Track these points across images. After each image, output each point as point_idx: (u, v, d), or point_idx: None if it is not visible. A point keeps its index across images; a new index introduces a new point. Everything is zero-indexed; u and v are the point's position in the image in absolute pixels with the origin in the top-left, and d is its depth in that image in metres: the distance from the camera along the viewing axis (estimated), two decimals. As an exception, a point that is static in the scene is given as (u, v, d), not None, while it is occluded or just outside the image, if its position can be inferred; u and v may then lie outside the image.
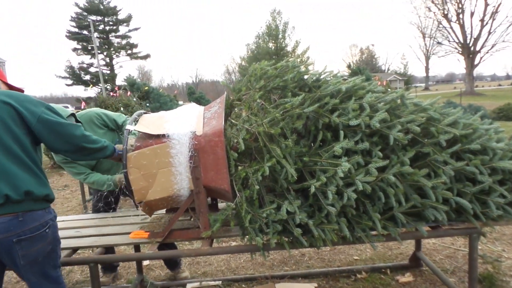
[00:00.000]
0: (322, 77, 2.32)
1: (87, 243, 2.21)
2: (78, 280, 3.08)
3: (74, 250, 2.22)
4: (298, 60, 2.54)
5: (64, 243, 2.23)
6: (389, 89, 2.50)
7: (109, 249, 2.53)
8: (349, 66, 16.31)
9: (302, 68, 2.32)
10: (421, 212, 2.00)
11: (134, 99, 9.52)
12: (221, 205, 2.74)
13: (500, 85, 57.16)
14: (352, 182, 1.88)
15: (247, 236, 2.03)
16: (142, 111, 2.41)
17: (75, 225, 2.55)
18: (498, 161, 1.99)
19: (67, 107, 35.94)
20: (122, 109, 8.54)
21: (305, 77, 2.29)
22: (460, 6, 33.91)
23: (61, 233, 2.38)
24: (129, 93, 9.80)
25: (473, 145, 1.96)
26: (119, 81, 39.17)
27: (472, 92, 32.35)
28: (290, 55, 44.71)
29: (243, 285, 2.77)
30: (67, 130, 1.72)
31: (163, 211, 2.66)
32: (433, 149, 1.98)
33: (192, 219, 2.49)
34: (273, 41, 43.92)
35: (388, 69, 66.79)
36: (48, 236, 1.65)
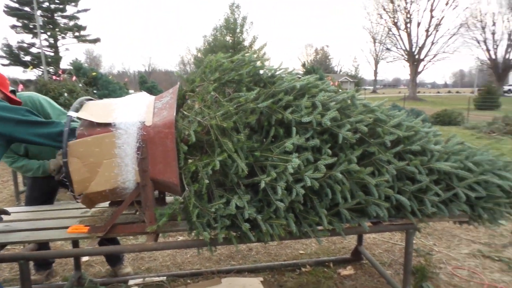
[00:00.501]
0: (277, 73, 2.33)
1: (18, 238, 2.03)
2: (6, 278, 2.83)
3: (2, 246, 2.04)
4: (255, 55, 2.53)
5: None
6: (340, 90, 2.58)
7: (43, 245, 2.35)
8: (303, 65, 16.65)
9: (258, 63, 2.31)
10: (365, 208, 2.10)
11: (80, 85, 8.95)
12: (169, 198, 2.67)
13: (438, 92, 61.79)
14: (301, 178, 1.91)
15: (194, 231, 1.99)
16: (86, 97, 2.26)
17: (6, 219, 2.34)
18: (435, 162, 2.14)
19: (2, 89, 32.92)
20: (66, 94, 8.01)
21: (261, 72, 2.29)
22: (408, 16, 36.06)
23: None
24: (74, 77, 9.20)
25: (414, 146, 2.10)
26: (64, 64, 36.66)
27: (414, 97, 34.59)
28: (247, 49, 44.73)
29: (189, 281, 2.73)
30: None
31: (106, 204, 2.54)
32: (378, 149, 2.08)
33: (137, 213, 2.39)
34: (230, 35, 43.66)
35: (340, 71, 69.32)
36: None
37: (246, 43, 44.71)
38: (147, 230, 2.04)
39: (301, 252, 3.22)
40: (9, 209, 2.47)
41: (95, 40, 40.08)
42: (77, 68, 10.22)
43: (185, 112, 2.16)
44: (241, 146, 1.96)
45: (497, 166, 2.27)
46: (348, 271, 2.80)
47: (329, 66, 69.60)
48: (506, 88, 41.88)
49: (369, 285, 2.62)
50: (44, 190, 2.69)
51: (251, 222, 1.97)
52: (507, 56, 37.90)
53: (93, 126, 2.01)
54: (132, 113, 2.10)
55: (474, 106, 20.71)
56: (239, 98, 2.03)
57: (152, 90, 17.40)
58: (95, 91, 9.62)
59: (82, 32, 38.88)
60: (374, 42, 52.23)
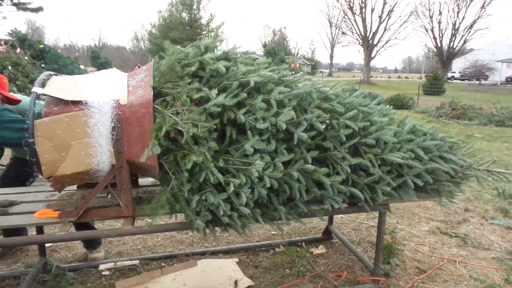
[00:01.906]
0: (231, 56, 2.18)
1: (-24, 225, 1.85)
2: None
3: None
4: (212, 33, 2.38)
5: None
6: (301, 72, 2.54)
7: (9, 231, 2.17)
8: (264, 46, 16.52)
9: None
10: (322, 200, 2.13)
11: (26, 58, 8.23)
12: (141, 180, 2.56)
13: (389, 77, 64.63)
14: (261, 177, 1.88)
15: (189, 217, 1.89)
16: (51, 72, 2.06)
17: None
18: (388, 153, 2.20)
19: None
20: (10, 68, 7.33)
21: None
22: (363, 0, 36.89)
23: None
24: (19, 50, 8.44)
25: (369, 139, 2.14)
26: (2, 34, 33.43)
27: (368, 82, 35.95)
28: (204, 28, 43.54)
29: (163, 264, 2.67)
30: None
31: (74, 187, 2.39)
32: (333, 143, 2.09)
33: (108, 196, 2.27)
34: (187, 11, 42.13)
35: (297, 53, 70.00)
36: None
37: (203, 21, 43.46)
38: (151, 219, 1.89)
39: (273, 232, 3.26)
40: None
41: (37, 9, 36.69)
42: (22, 39, 9.37)
43: (158, 107, 1.93)
44: (212, 154, 1.84)
45: (444, 149, 2.41)
46: (320, 250, 2.89)
47: (286, 48, 69.96)
48: (449, 75, 44.84)
49: (340, 263, 2.73)
50: (21, 172, 2.55)
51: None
52: (451, 45, 40.36)
53: (61, 104, 1.85)
54: (104, 90, 1.96)
55: (423, 92, 21.96)
56: (207, 103, 1.87)
57: (106, 66, 16.47)
58: (43, 65, 8.92)
59: (22, 0, 35.47)
60: (330, 26, 53.20)
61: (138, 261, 2.66)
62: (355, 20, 38.56)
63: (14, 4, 35.02)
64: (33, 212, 1.98)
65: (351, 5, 37.88)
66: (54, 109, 1.83)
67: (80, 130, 1.83)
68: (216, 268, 2.60)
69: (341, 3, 39.35)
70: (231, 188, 1.83)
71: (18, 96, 2.46)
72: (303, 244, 2.99)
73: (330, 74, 60.09)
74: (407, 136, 2.35)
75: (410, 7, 71.52)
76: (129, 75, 2.15)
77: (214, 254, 2.82)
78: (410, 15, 38.24)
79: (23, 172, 2.54)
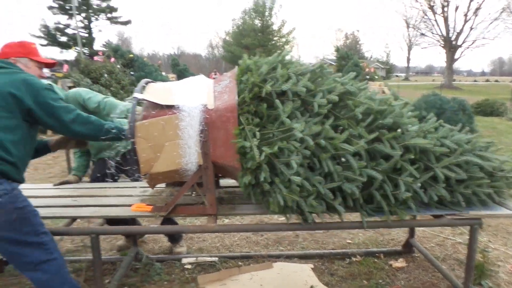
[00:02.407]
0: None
1: (87, 213, 2.12)
2: (69, 249, 2.98)
3: (73, 219, 2.13)
4: (283, 39, 2.44)
5: (61, 212, 2.15)
6: (376, 76, 2.46)
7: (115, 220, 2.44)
8: (337, 50, 16.21)
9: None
10: (337, 187, 1.94)
11: (118, 66, 9.14)
12: (223, 181, 2.68)
13: (475, 80, 58.91)
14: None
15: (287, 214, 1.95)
16: (148, 79, 2.28)
17: (72, 194, 2.43)
18: (410, 139, 1.99)
19: (40, 69, 34.10)
20: (106, 75, 8.20)
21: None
22: (446, -2, 34.22)
23: (57, 201, 2.29)
24: (113, 59, 9.40)
25: (387, 120, 1.96)
26: (97, 45, 37.56)
27: (450, 86, 33.18)
28: (275, 34, 44.13)
29: (240, 263, 2.76)
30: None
31: (162, 185, 2.59)
32: (348, 122, 1.98)
33: (193, 195, 2.43)
34: (259, 18, 43.10)
35: (371, 57, 67.36)
36: (2, 206, 1.66)
37: (275, 27, 44.06)
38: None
39: (349, 241, 3.18)
40: (77, 185, 2.58)
41: (126, 22, 40.67)
42: (115, 50, 10.44)
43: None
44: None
45: (477, 147, 2.12)
46: (400, 263, 2.75)
47: (359, 52, 67.74)
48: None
49: (423, 279, 2.56)
50: (104, 170, 2.82)
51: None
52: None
53: (158, 108, 2.02)
54: (194, 96, 2.11)
55: (517, 97, 19.60)
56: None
57: (184, 73, 17.57)
58: (132, 73, 9.81)
59: (114, 14, 39.50)
60: (408, 27, 50.14)
61: (217, 258, 2.79)
62: (436, 20, 35.87)
63: (108, 19, 39.22)
64: (130, 205, 2.20)
65: (432, 4, 35.40)
66: (151, 113, 2.01)
67: (173, 132, 1.99)
68: (292, 272, 2.62)
69: (420, 3, 36.96)
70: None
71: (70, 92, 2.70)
72: (381, 256, 2.86)
73: (406, 78, 56.77)
74: (431, 127, 2.12)
75: (501, 3, 64.64)
76: (215, 82, 2.28)
77: (289, 258, 2.84)
78: (502, 12, 34.48)
79: (105, 170, 2.78)
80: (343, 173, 1.91)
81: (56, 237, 3.08)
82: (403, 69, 72.16)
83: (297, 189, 1.83)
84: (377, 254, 2.88)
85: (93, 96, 2.65)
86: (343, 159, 1.96)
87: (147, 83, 2.20)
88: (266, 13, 43.04)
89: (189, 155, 2.03)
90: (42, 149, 2.23)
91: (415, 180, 1.95)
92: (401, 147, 1.96)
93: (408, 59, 58.70)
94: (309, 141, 1.83)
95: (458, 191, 2.04)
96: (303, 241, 3.15)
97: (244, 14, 44.29)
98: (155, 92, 2.13)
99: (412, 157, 1.97)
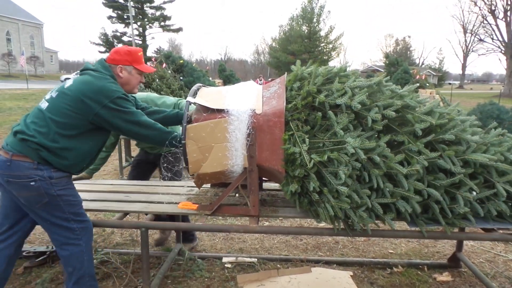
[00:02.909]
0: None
1: (138, 208, 2.29)
2: (118, 242, 3.21)
3: (126, 213, 2.31)
4: (330, 45, 2.44)
5: (115, 206, 2.33)
6: (427, 84, 2.39)
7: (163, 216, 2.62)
8: (387, 57, 15.76)
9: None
10: (390, 204, 1.94)
11: (169, 72, 9.59)
12: (265, 185, 2.76)
13: (540, 90, 54.08)
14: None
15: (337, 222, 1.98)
16: (200, 84, 2.41)
17: (124, 190, 2.64)
18: (471, 153, 1.90)
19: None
20: (157, 80, 8.64)
21: None
22: (509, 2, 32.01)
23: (110, 196, 2.49)
24: (164, 65, 9.88)
25: (448, 135, 1.88)
26: (150, 52, 39.58)
27: (510, 95, 30.88)
28: (322, 40, 43.78)
29: (278, 265, 2.82)
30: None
31: (208, 185, 2.71)
32: (408, 138, 1.91)
33: (237, 195, 2.52)
34: (307, 24, 43.00)
35: (423, 63, 64.49)
36: (34, 189, 1.85)
37: (322, 33, 43.73)
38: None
39: (391, 251, 3.12)
40: (125, 182, 2.78)
41: (178, 30, 42.44)
42: (167, 56, 10.96)
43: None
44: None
45: None
46: (445, 277, 2.65)
47: (410, 58, 65.12)
48: None
49: (470, 295, 2.46)
50: (143, 169, 3.10)
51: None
52: None
53: (208, 112, 2.14)
54: (243, 100, 2.20)
55: None
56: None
57: (230, 78, 17.99)
58: (181, 78, 10.23)
59: (167, 22, 41.42)
60: (465, 33, 47.52)
61: (256, 259, 2.86)
62: (496, 25, 33.66)
63: (161, 27, 41.21)
64: (177, 203, 2.34)
65: (493, 8, 33.27)
66: (202, 116, 2.14)
67: (221, 135, 2.10)
68: (330, 277, 2.62)
69: (479, 7, 34.94)
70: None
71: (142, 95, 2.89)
72: (425, 268, 2.78)
73: (461, 86, 53.62)
74: (494, 139, 2.01)
75: None
76: (264, 87, 2.37)
77: (327, 263, 2.84)
78: None
79: (145, 169, 3.08)
80: (397, 190, 1.89)
81: (107, 230, 3.36)
82: (458, 77, 68.26)
83: (347, 200, 1.85)
84: (420, 266, 2.80)
85: (165, 99, 2.90)
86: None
87: (199, 87, 2.33)
88: (314, 20, 42.87)
89: (236, 157, 2.13)
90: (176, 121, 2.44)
91: (475, 195, 1.91)
92: (460, 160, 1.91)
93: (464, 66, 55.41)
94: (360, 154, 1.82)
95: None
96: (342, 248, 3.14)
97: (292, 20, 44.44)
98: (206, 96, 2.26)
99: (471, 171, 1.92)
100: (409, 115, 1.95)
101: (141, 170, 3.12)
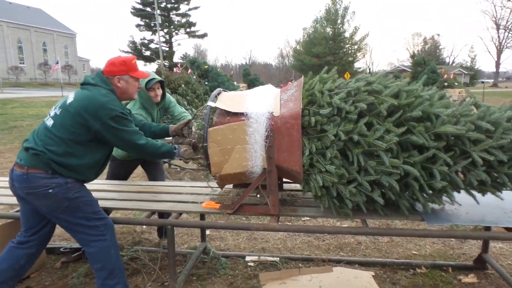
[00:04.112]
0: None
1: (165, 207, 2.41)
2: (147, 240, 3.36)
3: (153, 212, 2.44)
4: (355, 46, 2.51)
5: (143, 205, 2.46)
6: (455, 83, 2.40)
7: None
8: (413, 56, 15.42)
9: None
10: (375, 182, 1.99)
11: (194, 77, 9.83)
12: (286, 185, 2.82)
13: None
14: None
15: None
16: (221, 89, 2.52)
17: (152, 190, 2.78)
18: (440, 126, 1.91)
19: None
20: (183, 85, 8.89)
21: None
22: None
23: (139, 196, 2.63)
24: (189, 70, 10.14)
25: (415, 112, 1.91)
26: (176, 58, 40.54)
27: (549, 92, 29.28)
28: (347, 41, 43.30)
29: (300, 264, 2.87)
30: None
31: (230, 185, 2.81)
32: (376, 119, 1.96)
33: (257, 196, 2.60)
34: (331, 26, 42.70)
35: (453, 62, 62.34)
36: (53, 195, 1.99)
37: (347, 34, 43.26)
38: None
39: (414, 252, 3.09)
40: (156, 183, 2.92)
41: (203, 35, 43.21)
42: (192, 62, 11.26)
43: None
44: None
45: None
46: (470, 279, 2.61)
47: (439, 57, 63.12)
48: None
49: (496, 297, 2.42)
50: (125, 170, 3.19)
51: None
52: None
53: (228, 115, 2.24)
54: (261, 104, 2.28)
55: None
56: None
57: (255, 82, 18.16)
58: (206, 83, 10.46)
59: (192, 28, 42.29)
60: (498, 29, 45.65)
61: (278, 258, 2.92)
62: (533, 20, 32.14)
63: (187, 33, 42.14)
64: (201, 203, 2.45)
65: (528, 2, 31.77)
66: (222, 119, 2.24)
67: (241, 137, 2.19)
68: (352, 277, 2.64)
69: (513, 2, 33.48)
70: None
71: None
72: (449, 269, 2.75)
73: (495, 84, 51.38)
74: (465, 109, 2.02)
75: None
76: (281, 90, 2.44)
77: (349, 263, 2.86)
78: None
79: (119, 171, 3.12)
80: (379, 168, 1.95)
81: (138, 228, 3.53)
82: (492, 75, 65.46)
83: (335, 171, 1.97)
84: (444, 267, 2.77)
85: (177, 107, 3.28)
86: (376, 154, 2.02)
87: (219, 92, 2.44)
88: (338, 21, 42.52)
89: (255, 158, 2.22)
90: (163, 134, 2.59)
91: (451, 168, 1.93)
92: (432, 135, 1.94)
93: (497, 64, 53.14)
94: (341, 135, 1.95)
95: (502, 172, 1.96)
96: (365, 248, 3.15)
97: (316, 23, 44.28)
98: (227, 100, 2.36)
99: (445, 144, 1.95)
100: (377, 99, 2.03)
101: (124, 170, 3.18)
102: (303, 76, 2.43)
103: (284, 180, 2.72)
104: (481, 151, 1.91)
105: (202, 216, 2.91)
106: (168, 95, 3.25)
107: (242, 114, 2.21)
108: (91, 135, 2.05)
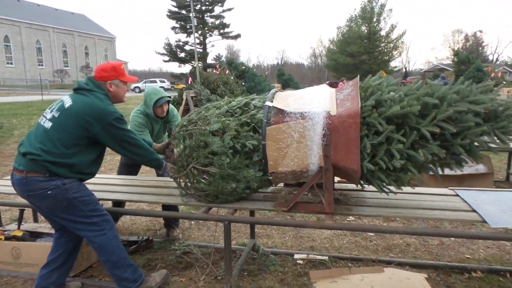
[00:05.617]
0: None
1: (221, 204, 2.50)
2: (198, 235, 3.49)
3: (209, 208, 2.54)
4: (391, 44, 2.54)
5: (200, 202, 2.56)
6: (503, 82, 2.38)
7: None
8: (456, 54, 14.79)
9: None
10: None
11: (232, 78, 10.00)
12: (337, 184, 2.84)
13: None
14: None
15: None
16: (276, 89, 2.58)
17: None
18: (389, 109, 2.02)
19: (163, 81, 38.82)
20: (221, 86, 9.07)
21: None
22: None
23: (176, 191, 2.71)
24: (227, 71, 10.33)
25: (369, 101, 2.07)
26: (210, 59, 41.23)
27: None
28: (383, 39, 42.23)
29: (349, 264, 2.87)
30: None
31: (281, 184, 2.86)
32: None
33: (309, 195, 2.64)
34: (366, 24, 41.79)
35: (497, 60, 59.11)
36: (52, 196, 2.13)
37: (383, 33, 42.18)
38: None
39: (467, 256, 3.01)
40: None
41: (236, 36, 43.62)
42: (229, 63, 11.45)
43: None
44: None
45: (469, 93, 2.02)
46: (531, 285, 2.52)
47: (482, 55, 60.01)
48: None
49: (561, 305, 2.32)
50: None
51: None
52: None
53: (285, 114, 2.30)
54: (318, 103, 2.32)
55: None
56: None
57: (289, 82, 18.15)
58: (243, 83, 10.61)
59: (226, 30, 42.82)
60: (549, 24, 42.57)
61: (327, 257, 2.95)
62: None
63: (220, 34, 42.73)
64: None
65: None
66: (280, 118, 2.29)
67: (298, 136, 2.24)
68: (404, 278, 2.62)
69: None
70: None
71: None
72: (508, 275, 2.65)
73: (543, 84, 48.26)
74: (408, 89, 2.15)
75: None
76: (337, 90, 2.47)
77: (400, 265, 2.83)
78: None
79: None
80: None
81: (192, 223, 3.66)
82: (540, 73, 61.31)
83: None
84: (502, 273, 2.68)
85: (178, 118, 3.50)
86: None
87: (276, 92, 2.50)
88: (374, 19, 41.54)
89: (312, 157, 2.26)
90: None
91: (406, 144, 2.00)
92: (385, 118, 2.04)
93: (547, 61, 49.80)
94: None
95: (457, 144, 2.01)
96: (415, 250, 3.10)
97: (350, 21, 43.49)
98: (283, 100, 2.41)
99: (396, 123, 2.04)
100: None
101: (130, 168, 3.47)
102: (358, 75, 2.44)
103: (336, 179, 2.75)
104: (429, 125, 1.98)
105: (252, 213, 2.99)
106: (173, 109, 3.48)
107: (299, 113, 2.26)
108: (88, 137, 2.18)
